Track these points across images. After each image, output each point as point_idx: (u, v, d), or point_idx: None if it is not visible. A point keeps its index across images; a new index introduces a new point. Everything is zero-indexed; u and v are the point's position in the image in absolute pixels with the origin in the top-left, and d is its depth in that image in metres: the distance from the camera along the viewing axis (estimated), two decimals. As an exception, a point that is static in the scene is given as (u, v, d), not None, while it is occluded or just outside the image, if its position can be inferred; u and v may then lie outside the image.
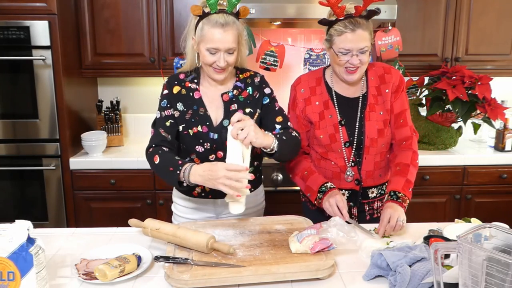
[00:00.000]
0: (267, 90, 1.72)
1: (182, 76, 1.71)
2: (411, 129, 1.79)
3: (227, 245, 1.35)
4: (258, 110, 1.70)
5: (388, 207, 1.59)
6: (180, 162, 1.52)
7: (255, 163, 1.75)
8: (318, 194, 1.71)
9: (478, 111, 2.67)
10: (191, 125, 1.66)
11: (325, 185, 1.72)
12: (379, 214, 1.82)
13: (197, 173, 1.46)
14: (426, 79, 2.88)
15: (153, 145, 1.65)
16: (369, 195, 1.82)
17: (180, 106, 1.67)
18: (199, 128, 1.65)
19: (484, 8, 2.83)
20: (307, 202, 1.92)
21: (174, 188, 1.81)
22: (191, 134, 1.66)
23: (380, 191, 1.84)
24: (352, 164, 1.76)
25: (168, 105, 1.68)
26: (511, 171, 2.76)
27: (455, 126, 2.86)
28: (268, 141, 1.47)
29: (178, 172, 1.49)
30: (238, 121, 1.42)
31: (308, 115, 1.77)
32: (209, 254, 1.35)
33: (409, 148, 1.75)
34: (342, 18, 1.62)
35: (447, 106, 2.74)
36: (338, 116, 1.75)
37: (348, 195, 1.80)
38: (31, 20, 2.44)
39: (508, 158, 2.76)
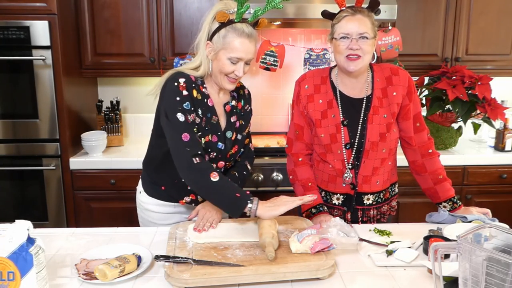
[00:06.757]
0: (251, 106, 1.78)
1: (193, 79, 1.59)
2: (427, 133, 1.77)
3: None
4: (248, 124, 1.74)
5: (467, 210, 1.73)
6: (248, 192, 1.49)
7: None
8: (313, 209, 1.73)
9: (478, 111, 2.67)
10: (204, 134, 1.60)
11: (322, 205, 1.75)
12: (374, 222, 1.79)
13: (265, 206, 1.47)
14: (426, 79, 2.88)
15: (199, 152, 1.50)
16: (364, 202, 1.76)
17: (200, 112, 1.59)
18: (210, 137, 1.61)
19: (484, 8, 2.83)
20: None
21: (146, 195, 1.78)
22: (203, 143, 1.59)
23: (377, 198, 1.77)
24: (351, 167, 1.72)
25: (192, 108, 1.55)
26: (511, 171, 2.76)
27: (455, 126, 2.86)
28: None
29: (248, 202, 1.45)
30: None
31: (309, 113, 1.73)
32: (210, 253, 1.35)
33: (435, 155, 1.77)
34: (344, 8, 1.64)
35: (447, 106, 2.74)
36: (341, 116, 1.70)
37: (342, 199, 1.77)
38: (31, 20, 2.44)
39: (508, 158, 2.76)
